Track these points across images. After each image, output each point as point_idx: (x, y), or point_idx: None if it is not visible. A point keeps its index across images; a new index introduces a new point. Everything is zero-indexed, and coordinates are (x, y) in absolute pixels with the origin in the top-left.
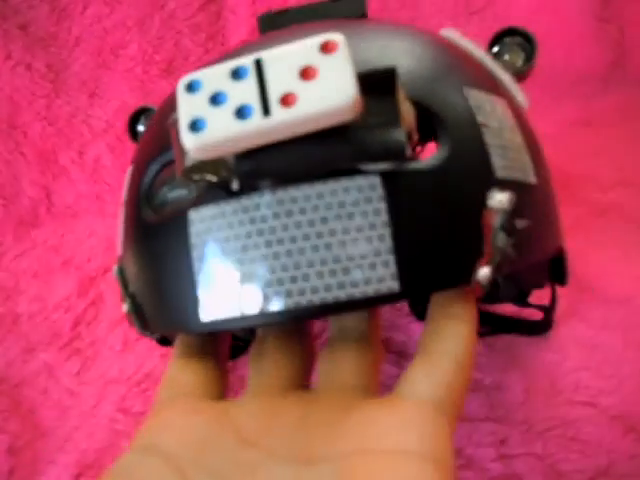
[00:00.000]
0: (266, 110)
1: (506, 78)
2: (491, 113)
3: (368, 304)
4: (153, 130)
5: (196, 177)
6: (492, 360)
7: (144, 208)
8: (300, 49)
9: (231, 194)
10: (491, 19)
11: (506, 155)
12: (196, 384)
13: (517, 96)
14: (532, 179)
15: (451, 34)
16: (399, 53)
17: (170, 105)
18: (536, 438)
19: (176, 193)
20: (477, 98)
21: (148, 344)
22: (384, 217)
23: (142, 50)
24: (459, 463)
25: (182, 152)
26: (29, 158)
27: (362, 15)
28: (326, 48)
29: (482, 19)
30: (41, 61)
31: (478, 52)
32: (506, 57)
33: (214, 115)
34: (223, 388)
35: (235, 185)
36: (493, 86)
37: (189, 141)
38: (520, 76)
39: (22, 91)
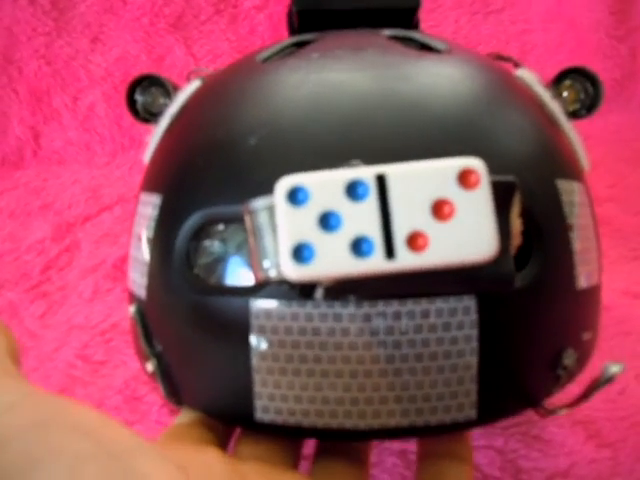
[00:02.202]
0: (389, 251)
1: (575, 137)
2: (577, 208)
3: (442, 431)
4: (198, 167)
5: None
6: None
7: (183, 267)
8: (434, 175)
9: (306, 295)
10: (508, 21)
11: (584, 259)
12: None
13: (582, 159)
14: (597, 278)
15: (527, 76)
16: (495, 128)
17: (227, 147)
18: (499, 433)
19: (221, 249)
20: (566, 190)
21: (119, 296)
22: (474, 344)
23: (151, 0)
24: None
25: (263, 255)
26: (21, 96)
27: (416, 4)
28: (466, 181)
29: (499, 20)
30: None
31: (552, 104)
32: (565, 94)
33: (325, 243)
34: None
35: (319, 294)
36: (575, 164)
37: (292, 271)
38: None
39: (22, 25)
